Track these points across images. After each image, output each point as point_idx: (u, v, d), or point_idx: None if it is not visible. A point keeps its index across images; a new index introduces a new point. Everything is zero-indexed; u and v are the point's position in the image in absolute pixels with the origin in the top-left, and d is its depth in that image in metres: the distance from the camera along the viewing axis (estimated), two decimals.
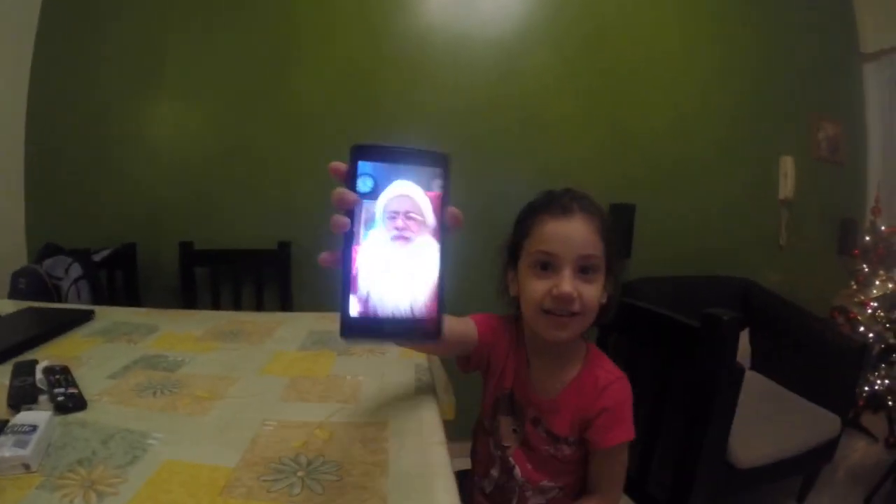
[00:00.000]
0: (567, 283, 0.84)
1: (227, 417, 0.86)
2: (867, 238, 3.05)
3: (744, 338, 2.51)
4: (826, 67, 3.21)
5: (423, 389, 1.01)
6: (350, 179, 0.53)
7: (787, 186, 3.00)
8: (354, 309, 0.52)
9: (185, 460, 0.72)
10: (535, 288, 0.88)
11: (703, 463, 1.00)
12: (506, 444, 1.00)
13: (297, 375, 1.07)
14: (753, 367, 2.47)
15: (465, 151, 2.40)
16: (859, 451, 2.74)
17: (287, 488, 0.67)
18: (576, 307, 0.85)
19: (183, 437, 0.78)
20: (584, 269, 0.86)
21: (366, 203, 0.53)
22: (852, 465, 2.60)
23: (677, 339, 1.07)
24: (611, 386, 0.93)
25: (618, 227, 2.50)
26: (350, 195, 0.52)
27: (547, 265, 0.87)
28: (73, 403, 0.85)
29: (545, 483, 0.99)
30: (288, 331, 1.38)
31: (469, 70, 2.40)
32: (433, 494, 0.67)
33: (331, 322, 1.46)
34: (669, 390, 1.12)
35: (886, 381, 2.74)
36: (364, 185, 0.53)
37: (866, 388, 2.78)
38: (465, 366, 1.03)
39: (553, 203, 0.91)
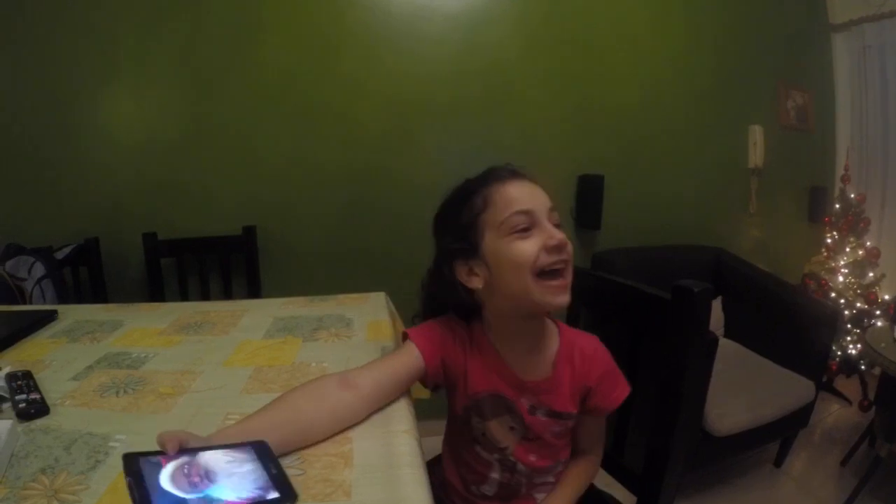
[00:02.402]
0: (553, 230, 0.83)
1: (190, 414, 0.84)
2: (837, 206, 3.11)
3: (717, 306, 2.54)
4: (795, 37, 3.23)
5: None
6: None
7: (756, 155, 3.03)
8: None
9: None
10: (525, 250, 0.82)
11: (678, 435, 1.00)
12: (503, 446, 0.96)
13: (262, 365, 1.04)
14: (727, 335, 2.50)
15: (428, 122, 2.40)
16: (834, 415, 2.81)
17: None
18: (570, 250, 0.84)
19: (145, 437, 0.74)
20: (555, 222, 0.86)
21: None
22: (828, 429, 2.67)
23: (649, 311, 1.07)
24: (597, 351, 0.95)
25: (587, 198, 2.47)
26: None
27: (527, 227, 0.83)
28: (35, 409, 0.83)
29: (550, 465, 1.00)
30: (253, 319, 1.36)
31: (433, 42, 2.36)
32: (399, 486, 0.65)
33: (296, 307, 1.46)
34: (642, 362, 1.12)
35: (858, 346, 2.81)
36: None
37: (839, 353, 2.85)
38: (426, 385, 0.97)
39: (497, 172, 0.89)
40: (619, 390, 0.96)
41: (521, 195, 0.85)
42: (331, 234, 2.38)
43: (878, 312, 2.85)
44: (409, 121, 2.38)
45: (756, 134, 3.03)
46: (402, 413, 0.84)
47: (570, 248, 0.84)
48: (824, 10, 3.38)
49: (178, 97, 2.22)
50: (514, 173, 0.89)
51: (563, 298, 0.83)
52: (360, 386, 0.81)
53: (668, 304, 0.99)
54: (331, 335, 1.22)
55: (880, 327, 2.39)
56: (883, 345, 2.08)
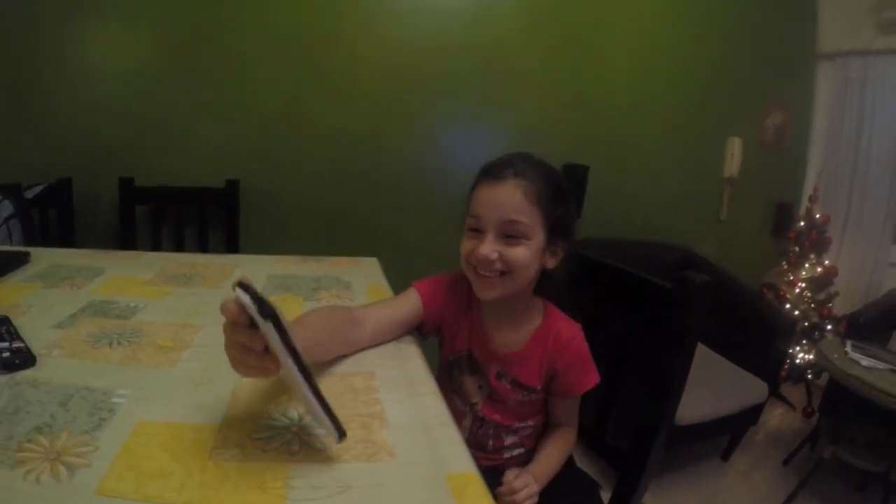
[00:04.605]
0: (485, 246, 0.89)
1: (199, 370, 0.80)
2: (802, 223, 3.23)
3: None
4: (784, 60, 3.35)
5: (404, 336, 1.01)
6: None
7: (732, 165, 3.12)
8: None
9: (162, 420, 0.65)
10: (464, 246, 0.94)
11: (668, 417, 1.06)
12: (473, 401, 1.05)
13: None
14: None
15: (425, 94, 2.38)
16: (778, 418, 2.95)
17: (284, 446, 0.62)
18: (497, 267, 0.90)
19: (153, 394, 0.71)
20: (509, 234, 0.90)
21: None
22: (772, 431, 2.81)
23: (646, 298, 1.10)
24: (574, 339, 1.00)
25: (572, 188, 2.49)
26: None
27: (476, 229, 0.92)
28: (20, 360, 0.75)
29: (518, 425, 1.06)
30: (247, 273, 1.30)
31: (437, 13, 2.33)
32: (439, 445, 0.66)
33: (290, 265, 1.43)
34: (633, 347, 1.15)
35: (808, 356, 2.94)
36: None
37: (788, 362, 2.99)
38: (419, 332, 1.06)
39: (490, 169, 0.94)
40: (585, 380, 1.01)
41: (483, 201, 0.92)
42: (316, 195, 2.32)
43: (829, 327, 3.00)
44: (407, 90, 2.34)
45: (735, 146, 3.11)
46: (423, 376, 0.86)
47: (502, 264, 0.90)
48: (814, 38, 3.50)
49: (170, 29, 2.07)
50: (497, 174, 0.92)
51: (487, 294, 0.94)
52: (364, 322, 0.92)
53: (669, 293, 1.03)
54: (332, 296, 1.20)
55: (832, 340, 2.51)
56: (836, 356, 2.22)
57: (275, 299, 1.11)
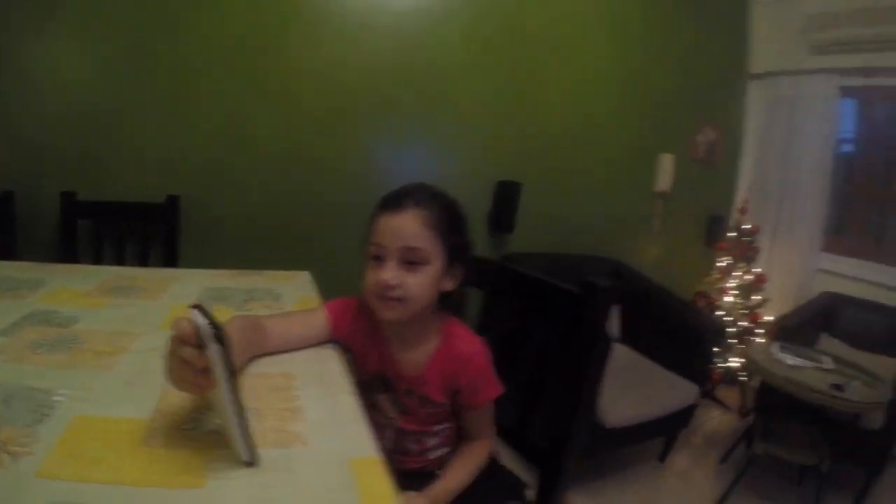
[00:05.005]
0: (386, 272, 0.94)
1: (134, 371, 0.86)
2: (732, 234, 3.43)
3: (613, 313, 2.75)
4: (716, 79, 3.59)
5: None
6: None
7: (663, 180, 3.30)
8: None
9: (97, 415, 0.72)
10: (369, 278, 0.97)
11: (578, 420, 1.13)
12: (391, 416, 1.12)
13: None
14: (623, 341, 2.71)
15: (365, 113, 2.44)
16: (715, 420, 3.12)
17: (207, 435, 0.69)
18: (397, 293, 0.95)
19: (90, 393, 0.77)
20: (410, 260, 0.95)
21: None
22: (709, 432, 2.96)
23: (557, 303, 1.18)
24: (473, 356, 1.06)
25: (504, 202, 2.59)
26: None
27: (378, 256, 0.97)
28: None
29: (436, 428, 1.14)
30: (183, 287, 1.37)
31: (379, 35, 2.39)
32: (348, 436, 0.74)
33: (224, 279, 1.47)
34: (549, 351, 1.23)
35: (740, 360, 3.12)
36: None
37: (721, 365, 3.16)
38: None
39: (391, 199, 0.99)
40: (487, 392, 1.08)
41: (384, 229, 0.96)
42: (256, 210, 2.35)
43: (759, 331, 3.19)
44: (347, 108, 2.40)
45: (666, 162, 3.30)
46: (340, 377, 0.94)
47: (401, 291, 0.95)
48: (746, 58, 3.76)
49: (114, 45, 2.08)
50: (395, 205, 0.97)
51: (388, 315, 0.98)
52: (272, 334, 0.98)
53: (576, 297, 1.11)
54: (262, 307, 1.26)
55: (761, 343, 2.67)
56: (763, 358, 2.39)
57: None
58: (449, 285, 1.02)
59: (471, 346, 1.07)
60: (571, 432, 1.14)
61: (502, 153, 2.71)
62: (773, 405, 2.49)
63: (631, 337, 2.72)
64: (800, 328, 2.85)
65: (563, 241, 2.93)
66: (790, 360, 2.35)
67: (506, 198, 2.59)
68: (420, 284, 0.96)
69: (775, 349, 2.44)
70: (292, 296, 1.37)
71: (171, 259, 2.18)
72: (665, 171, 3.32)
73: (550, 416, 1.17)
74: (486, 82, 2.62)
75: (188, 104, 2.20)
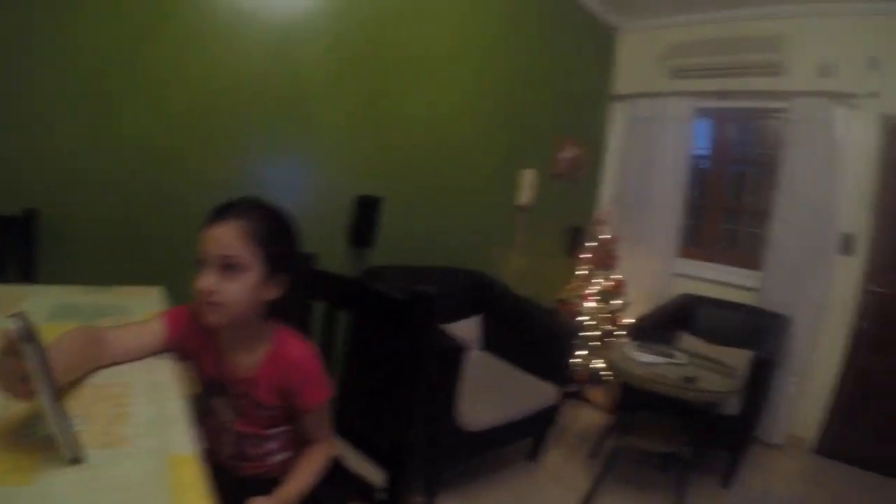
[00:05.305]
0: (205, 279, 1.01)
1: None
2: (592, 244, 3.72)
3: (475, 323, 2.91)
4: (581, 102, 3.93)
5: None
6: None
7: (526, 195, 3.54)
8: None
9: None
10: (195, 283, 1.02)
11: (416, 423, 1.23)
12: (227, 419, 1.17)
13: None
14: (486, 349, 2.87)
15: (231, 122, 2.37)
16: (585, 418, 3.36)
17: (41, 439, 0.72)
18: (216, 299, 1.01)
19: None
20: (227, 267, 1.01)
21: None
22: (579, 429, 3.18)
23: (389, 312, 1.28)
24: (302, 360, 1.13)
25: (363, 217, 2.64)
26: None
27: (202, 264, 1.02)
28: None
29: (273, 431, 1.19)
30: (33, 304, 1.34)
31: (249, 42, 2.35)
32: (170, 437, 0.80)
33: (76, 295, 1.47)
34: (389, 357, 1.31)
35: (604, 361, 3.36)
36: None
37: (587, 367, 3.39)
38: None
39: (216, 210, 1.06)
40: (316, 395, 1.15)
41: (207, 238, 1.02)
42: (120, 222, 2.24)
43: (620, 333, 3.47)
44: (213, 117, 2.33)
45: (529, 177, 3.54)
46: (171, 385, 0.99)
47: (218, 297, 1.01)
48: (610, 81, 4.19)
49: None
50: (217, 216, 1.04)
51: (210, 319, 1.03)
52: (111, 344, 1.01)
53: (404, 305, 1.21)
54: (111, 322, 1.24)
55: (620, 343, 2.89)
56: (618, 357, 2.60)
57: (60, 325, 1.19)
58: (272, 293, 1.08)
59: (300, 350, 1.14)
60: (411, 435, 1.23)
61: (363, 168, 2.71)
62: (634, 401, 2.71)
63: (495, 345, 2.88)
64: (658, 328, 3.12)
65: (426, 254, 2.99)
66: (645, 357, 2.57)
67: (366, 212, 2.59)
68: (237, 291, 1.02)
69: (631, 348, 2.66)
70: (142, 312, 1.37)
71: (27, 275, 2.06)
72: (527, 185, 3.54)
73: (393, 421, 1.26)
74: (348, 98, 2.62)
75: (52, 109, 2.05)
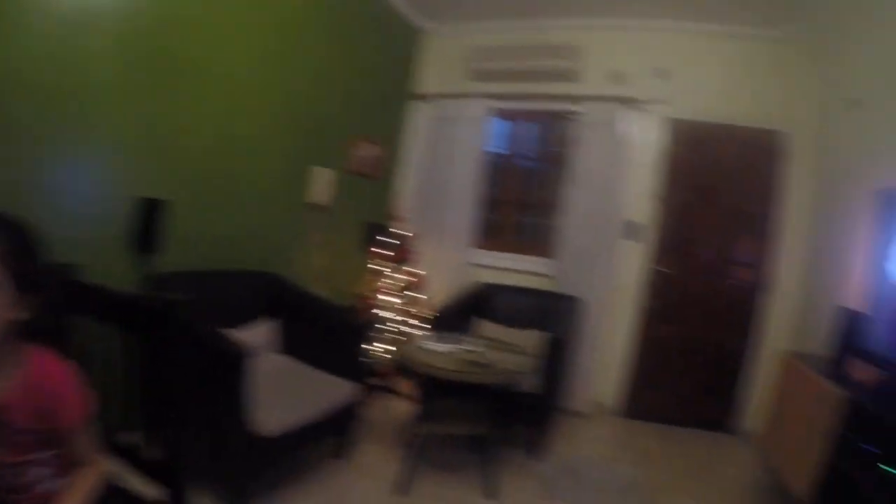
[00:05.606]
0: None
1: None
2: (392, 240, 3.76)
3: (271, 326, 2.82)
4: (381, 100, 3.96)
5: None
6: None
7: (320, 193, 3.54)
8: None
9: None
10: None
11: (189, 433, 1.22)
12: None
13: None
14: (285, 352, 2.80)
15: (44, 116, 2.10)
16: (394, 409, 3.41)
17: None
18: None
19: None
20: None
21: None
22: (388, 421, 3.21)
23: (146, 318, 1.24)
24: (60, 380, 1.09)
25: (146, 221, 2.45)
26: None
27: None
28: None
29: (32, 457, 1.09)
30: None
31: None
32: None
33: None
34: (158, 367, 1.27)
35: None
36: None
37: (383, 360, 3.48)
38: None
39: None
40: (76, 414, 1.11)
41: None
42: None
43: (419, 325, 3.59)
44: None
45: (323, 175, 3.53)
46: None
47: None
48: (412, 81, 4.29)
49: None
50: None
51: None
52: None
53: (154, 313, 1.19)
54: None
55: (416, 335, 3.00)
56: (410, 348, 2.68)
57: None
58: (24, 315, 1.01)
59: (60, 370, 1.09)
60: (182, 446, 1.21)
61: (148, 170, 2.52)
62: (437, 389, 2.77)
63: (294, 347, 2.81)
64: (456, 317, 3.27)
65: (218, 257, 2.87)
66: (437, 346, 2.67)
67: (149, 216, 2.37)
68: None
69: (423, 339, 2.76)
70: None
71: None
72: (322, 183, 3.52)
73: (164, 433, 1.23)
74: (129, 100, 2.40)
75: None
